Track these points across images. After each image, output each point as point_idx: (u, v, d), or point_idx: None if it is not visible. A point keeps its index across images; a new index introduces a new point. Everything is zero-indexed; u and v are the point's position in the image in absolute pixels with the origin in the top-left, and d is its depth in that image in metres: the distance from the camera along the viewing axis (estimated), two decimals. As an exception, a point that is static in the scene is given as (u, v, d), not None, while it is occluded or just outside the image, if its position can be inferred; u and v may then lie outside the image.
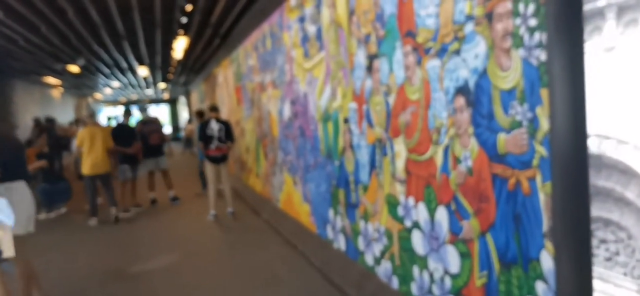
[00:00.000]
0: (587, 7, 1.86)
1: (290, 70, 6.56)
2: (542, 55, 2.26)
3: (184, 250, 6.58)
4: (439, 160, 3.21)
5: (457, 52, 2.91)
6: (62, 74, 15.88)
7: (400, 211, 3.82)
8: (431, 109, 3.26)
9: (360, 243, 4.64)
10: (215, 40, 10.99)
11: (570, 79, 1.93)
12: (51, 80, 17.81)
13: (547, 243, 2.33)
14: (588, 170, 1.92)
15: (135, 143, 9.26)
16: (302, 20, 5.86)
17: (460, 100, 2.92)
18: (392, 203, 3.94)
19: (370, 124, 4.21)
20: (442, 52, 3.07)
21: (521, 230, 2.50)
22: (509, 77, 2.49)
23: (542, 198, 2.34)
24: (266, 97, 8.19)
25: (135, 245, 7.10)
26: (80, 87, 21.94)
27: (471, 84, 2.80)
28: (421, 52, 3.32)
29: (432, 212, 3.36)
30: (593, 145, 1.89)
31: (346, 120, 4.74)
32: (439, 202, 3.25)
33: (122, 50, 12.08)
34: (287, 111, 6.91)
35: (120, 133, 9.13)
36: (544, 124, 2.28)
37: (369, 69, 4.14)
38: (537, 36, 2.28)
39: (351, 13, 4.41)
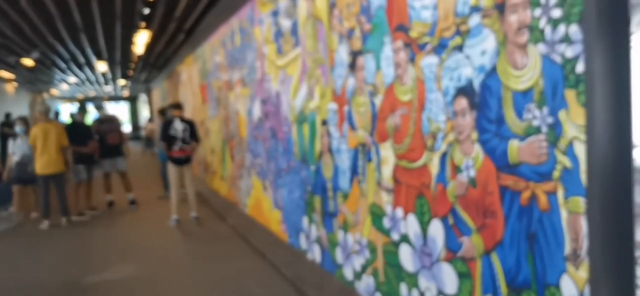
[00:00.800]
0: (639, -7, 1.56)
1: (262, 68, 6.17)
2: (568, 51, 1.96)
3: (144, 259, 6.10)
4: (434, 168, 2.89)
5: (460, 48, 2.60)
6: (15, 67, 14.99)
7: (386, 222, 3.49)
8: (426, 112, 2.94)
9: (339, 255, 4.29)
10: (179, 35, 10.48)
11: (612, 78, 1.63)
12: (4, 74, 16.84)
13: (570, 267, 2.03)
14: (633, 186, 1.62)
15: (91, 142, 8.67)
16: (275, 14, 5.49)
17: (462, 102, 2.60)
18: (376, 214, 3.61)
19: (353, 127, 3.88)
20: (440, 48, 2.76)
21: (536, 250, 2.20)
22: (525, 76, 2.18)
23: (565, 215, 2.04)
24: (234, 95, 7.77)
25: (89, 253, 6.57)
26: (35, 82, 20.92)
27: (476, 84, 2.49)
28: (415, 48, 3.00)
29: (424, 225, 3.04)
30: (641, 157, 1.59)
31: (325, 122, 4.40)
32: (434, 214, 2.93)
33: (79, 44, 11.41)
34: (257, 111, 6.52)
35: (75, 131, 8.54)
36: (569, 130, 1.98)
37: (352, 66, 3.80)
38: (562, 29, 1.98)
39: (332, 6, 4.06)
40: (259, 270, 5.41)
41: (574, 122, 1.96)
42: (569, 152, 1.99)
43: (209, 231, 7.46)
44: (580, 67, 1.91)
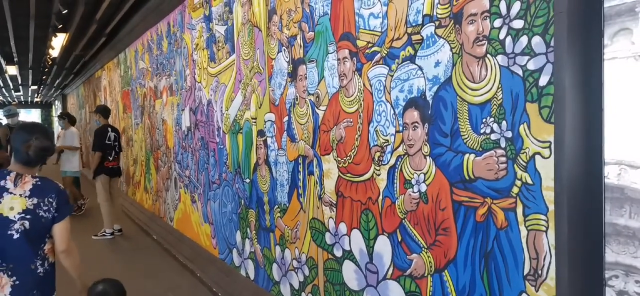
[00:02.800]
0: (611, 3, 1.51)
1: (192, 75, 5.88)
2: (531, 64, 1.91)
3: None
4: (381, 182, 2.79)
5: (411, 59, 2.51)
6: None
7: (328, 238, 3.34)
8: (373, 124, 2.83)
9: (275, 272, 4.10)
10: (100, 38, 9.88)
11: (583, 92, 1.57)
12: None
13: (529, 287, 1.97)
14: (603, 204, 1.57)
15: (1, 151, 7.96)
16: (208, 19, 5.24)
17: (413, 114, 2.51)
18: (317, 229, 3.46)
19: (292, 138, 3.72)
20: (390, 58, 2.66)
21: (493, 269, 2.13)
22: (483, 89, 2.12)
23: (524, 233, 1.98)
24: (160, 104, 7.39)
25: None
26: None
27: (429, 96, 2.41)
28: (362, 57, 2.89)
29: (370, 241, 2.92)
30: (612, 174, 1.55)
31: (261, 133, 4.21)
32: (380, 231, 2.82)
33: (-14, 44, 10.53)
34: (186, 120, 6.21)
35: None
36: (530, 145, 1.92)
37: (293, 75, 3.65)
38: (524, 40, 1.93)
39: (272, 12, 3.89)
40: (188, 286, 5.11)
41: (535, 136, 1.90)
42: (530, 167, 1.93)
43: (134, 245, 7.02)
44: (543, 80, 1.86)
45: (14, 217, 2.42)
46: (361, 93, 2.91)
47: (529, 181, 1.94)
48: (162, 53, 7.07)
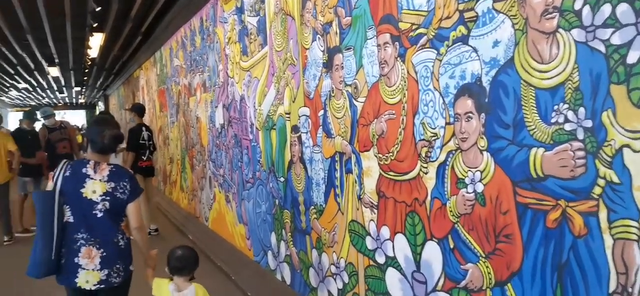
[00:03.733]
0: None
1: (224, 70, 5.67)
2: (615, 38, 1.56)
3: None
4: (429, 181, 2.47)
5: (463, 40, 2.18)
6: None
7: (369, 243, 3.04)
8: (419, 115, 2.51)
9: (312, 278, 3.82)
10: (136, 37, 9.84)
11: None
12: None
13: (616, 307, 1.62)
14: None
15: (39, 152, 7.95)
16: (240, 11, 5.00)
17: (466, 103, 2.18)
18: (357, 233, 3.16)
19: (328, 134, 3.43)
20: (438, 40, 2.34)
21: (569, 284, 1.79)
22: (553, 70, 1.78)
23: (609, 242, 1.63)
24: (194, 101, 7.23)
25: (32, 280, 5.90)
26: (-19, 87, 19.76)
27: (485, 81, 2.08)
28: (405, 41, 2.58)
29: (417, 247, 2.60)
30: None
31: (295, 129, 3.93)
32: (429, 236, 2.50)
33: (26, 46, 10.61)
34: (219, 117, 6.00)
35: (21, 141, 7.80)
36: (615, 136, 1.58)
37: (328, 65, 3.36)
38: (607, 10, 1.58)
39: (305, -2, 3.61)
40: (222, 291, 4.88)
41: (623, 125, 1.55)
42: (616, 163, 1.58)
43: (169, 246, 6.85)
44: (632, 57, 1.51)
45: (97, 198, 2.77)
46: (405, 82, 2.60)
47: (616, 180, 1.59)
48: (196, 49, 6.90)
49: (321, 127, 3.53)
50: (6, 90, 20.68)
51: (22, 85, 18.96)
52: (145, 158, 7.19)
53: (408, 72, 2.57)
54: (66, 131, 8.61)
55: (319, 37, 3.47)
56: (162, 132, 10.10)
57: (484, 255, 2.16)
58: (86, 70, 15.34)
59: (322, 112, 3.50)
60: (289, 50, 3.97)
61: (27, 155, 7.76)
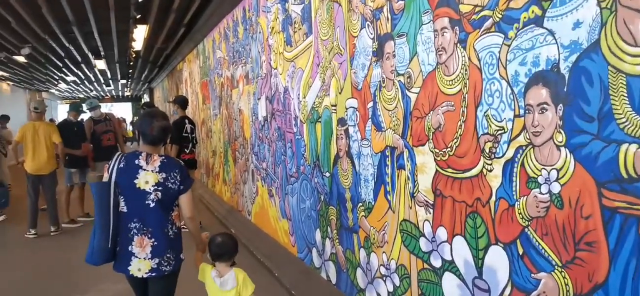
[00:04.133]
0: None
1: (268, 61, 5.52)
2: None
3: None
4: (494, 180, 2.23)
5: (537, 21, 1.94)
6: (6, 64, 14.37)
7: (423, 245, 2.83)
8: (482, 107, 2.28)
9: (360, 278, 3.63)
10: (179, 29, 9.83)
11: None
12: (-3, 72, 16.24)
13: None
14: None
15: (84, 144, 8.02)
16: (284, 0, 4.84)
17: (540, 93, 1.94)
18: (410, 233, 2.95)
19: (378, 127, 3.22)
20: (506, 22, 2.10)
21: (668, 303, 1.54)
22: (652, 53, 1.52)
23: None
24: (237, 93, 7.13)
25: (74, 268, 5.94)
26: (31, 81, 20.33)
27: (564, 68, 1.83)
28: (466, 25, 2.34)
29: (479, 252, 2.38)
30: None
31: (342, 121, 3.74)
32: (493, 240, 2.27)
33: (73, 39, 10.78)
34: (262, 109, 5.87)
35: (67, 132, 7.89)
36: None
37: (378, 54, 3.15)
38: None
39: (353, -18, 3.41)
40: (265, 287, 4.75)
41: None
42: None
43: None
44: None
45: (149, 189, 2.84)
46: (466, 70, 2.37)
47: None
48: (238, 40, 6.79)
49: (370, 119, 3.33)
50: (55, 82, 21.26)
51: (70, 77, 19.42)
52: (188, 151, 7.14)
53: (470, 59, 2.33)
54: (111, 123, 8.67)
55: (368, 24, 3.26)
56: (205, 124, 10.09)
57: (560, 264, 1.92)
58: (131, 63, 15.54)
59: (371, 103, 3.30)
60: (335, 39, 3.77)
61: (73, 147, 7.84)
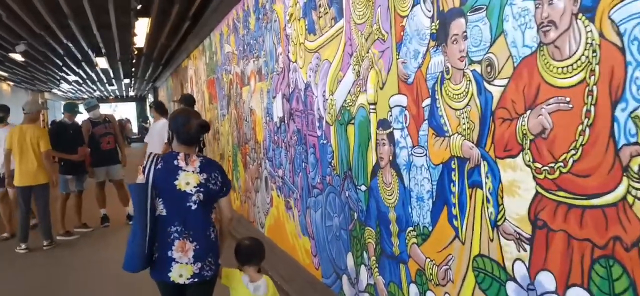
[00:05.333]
0: None
1: (285, 54, 4.79)
2: None
3: (137, 294, 4.74)
4: (650, 212, 1.50)
5: None
6: (3, 63, 13.70)
7: (512, 291, 2.09)
8: (623, 104, 1.54)
9: (409, 321, 2.90)
10: (184, 22, 9.12)
11: None
12: (-5, 72, 15.57)
13: None
14: None
15: (81, 148, 7.33)
16: (305, -21, 4.11)
17: None
18: (489, 273, 2.22)
19: (439, 131, 2.49)
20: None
21: None
22: None
23: None
24: (248, 91, 6.41)
25: (73, 286, 5.25)
26: (32, 81, 19.69)
27: None
28: (596, -14, 1.61)
29: (616, 315, 1.64)
30: None
31: (384, 123, 3.01)
32: (647, 300, 1.54)
33: (71, 35, 10.08)
34: (278, 109, 5.14)
35: (62, 135, 7.22)
36: None
37: (440, 37, 2.42)
38: None
39: (404, -54, 2.67)
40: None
41: None
42: None
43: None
44: None
45: (191, 190, 2.75)
46: (594, 52, 1.63)
47: None
48: (249, 32, 6.06)
49: (426, 121, 2.59)
50: (57, 82, 20.63)
51: (72, 77, 18.76)
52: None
53: (602, 34, 1.60)
54: (111, 125, 7.99)
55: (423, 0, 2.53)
56: (212, 125, 9.36)
57: None
58: (134, 61, 14.85)
59: (428, 101, 2.57)
60: (375, 22, 3.04)
61: (69, 151, 7.16)
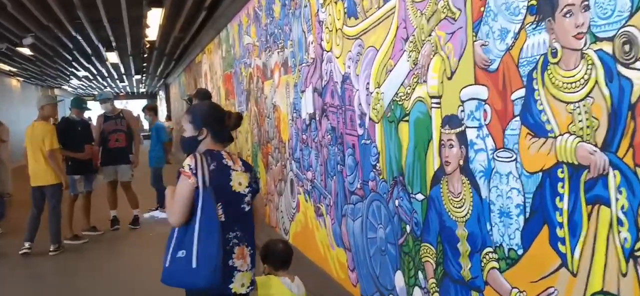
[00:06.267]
0: None
1: (317, 43, 4.27)
2: None
3: None
4: None
5: None
6: (11, 57, 13.28)
7: (659, 346, 1.56)
8: None
9: None
10: (199, 13, 8.63)
11: None
12: (2, 66, 15.12)
13: None
14: None
15: (88, 145, 6.85)
16: (345, -46, 3.59)
17: None
18: (618, 317, 1.69)
19: (538, 130, 1.96)
20: None
21: None
22: None
23: None
24: (270, 85, 5.90)
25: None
26: (42, 77, 19.31)
27: None
28: None
29: None
30: None
31: (452, 121, 2.49)
32: None
33: (80, 28, 9.62)
34: (307, 105, 4.62)
35: (69, 132, 6.74)
36: None
37: (543, 9, 1.89)
38: None
39: None
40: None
41: None
42: None
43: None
44: None
45: (244, 191, 2.57)
46: None
47: None
48: (273, 20, 5.54)
49: (518, 118, 2.07)
50: (67, 78, 20.25)
51: (82, 73, 18.34)
52: None
53: None
54: (123, 122, 7.44)
55: (518, -37, 2.00)
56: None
57: None
58: (145, 56, 14.39)
59: (520, 92, 2.04)
60: (441, -2, 2.51)
61: (77, 149, 6.70)
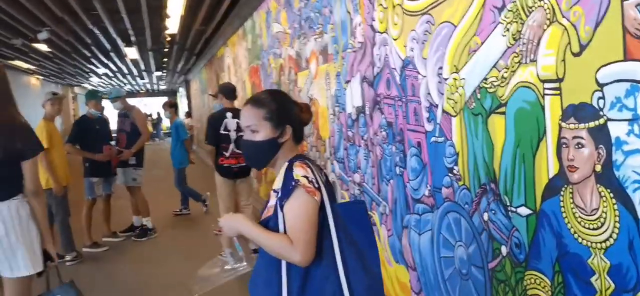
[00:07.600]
0: None
1: (367, 24, 3.63)
2: None
3: None
4: None
5: None
6: (28, 54, 12.87)
7: None
8: None
9: None
10: (222, 4, 8.05)
11: None
12: (20, 63, 14.74)
13: None
14: None
15: (106, 145, 6.32)
16: None
17: None
18: None
19: None
20: None
21: None
22: None
23: None
24: (306, 76, 5.28)
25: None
26: (61, 74, 18.99)
27: None
28: None
29: None
30: None
31: (580, 113, 1.84)
32: None
33: (97, 20, 9.12)
34: (354, 97, 3.99)
35: (85, 130, 6.22)
36: None
37: None
38: None
39: None
40: None
41: None
42: None
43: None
44: None
45: None
46: None
47: None
48: (309, 3, 4.92)
49: None
50: (86, 75, 19.91)
51: (101, 70, 17.97)
52: (228, 155, 5.33)
53: None
54: (127, 121, 6.75)
55: None
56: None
57: None
58: (165, 50, 13.89)
59: None
60: (565, -54, 1.86)
61: (94, 149, 6.17)
